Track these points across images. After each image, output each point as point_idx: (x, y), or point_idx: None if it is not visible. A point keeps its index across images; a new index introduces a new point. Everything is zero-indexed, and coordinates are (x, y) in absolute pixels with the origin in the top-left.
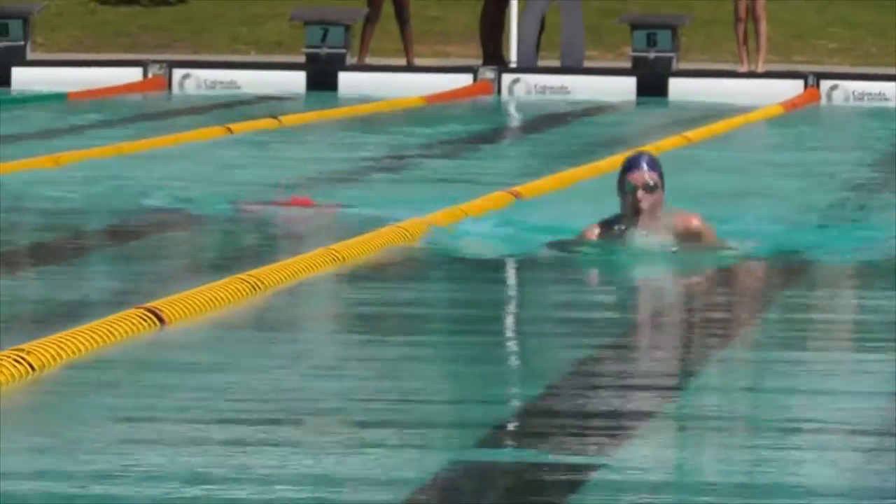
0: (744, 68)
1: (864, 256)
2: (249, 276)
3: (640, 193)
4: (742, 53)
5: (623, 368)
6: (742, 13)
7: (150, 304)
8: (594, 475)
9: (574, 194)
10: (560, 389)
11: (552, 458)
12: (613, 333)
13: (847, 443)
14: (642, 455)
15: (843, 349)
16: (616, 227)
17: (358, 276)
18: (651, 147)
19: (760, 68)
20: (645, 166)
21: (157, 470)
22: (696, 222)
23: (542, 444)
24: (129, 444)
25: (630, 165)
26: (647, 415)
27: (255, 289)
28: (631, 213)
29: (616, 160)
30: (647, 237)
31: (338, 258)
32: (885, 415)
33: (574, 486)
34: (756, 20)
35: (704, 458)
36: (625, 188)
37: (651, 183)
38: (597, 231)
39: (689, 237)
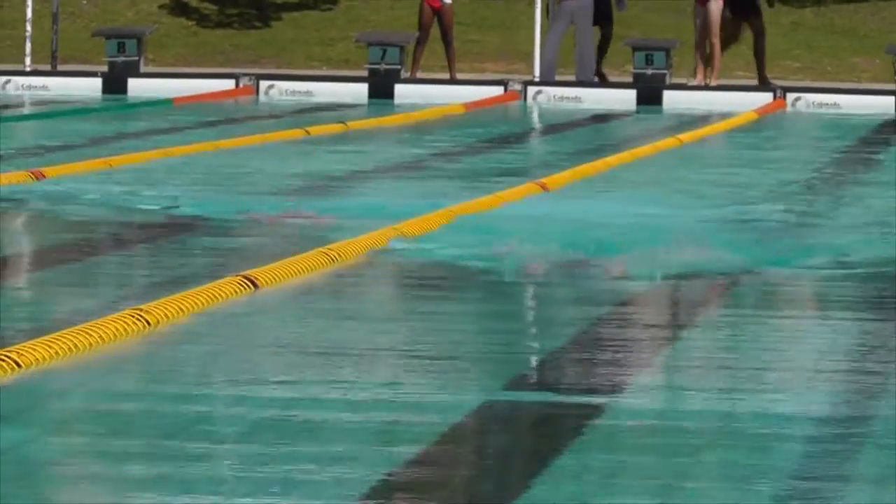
0: (695, 81)
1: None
2: (329, 249)
3: None
4: (698, 70)
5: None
6: (699, 38)
7: (246, 272)
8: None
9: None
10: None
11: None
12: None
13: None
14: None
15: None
16: None
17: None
18: (649, 147)
19: (713, 83)
20: None
21: (251, 395)
22: None
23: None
24: (227, 384)
25: None
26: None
27: (333, 260)
28: None
29: (621, 157)
30: None
31: (402, 233)
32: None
33: (583, 422)
34: (711, 45)
35: (697, 397)
36: None
37: None
38: None
39: None
